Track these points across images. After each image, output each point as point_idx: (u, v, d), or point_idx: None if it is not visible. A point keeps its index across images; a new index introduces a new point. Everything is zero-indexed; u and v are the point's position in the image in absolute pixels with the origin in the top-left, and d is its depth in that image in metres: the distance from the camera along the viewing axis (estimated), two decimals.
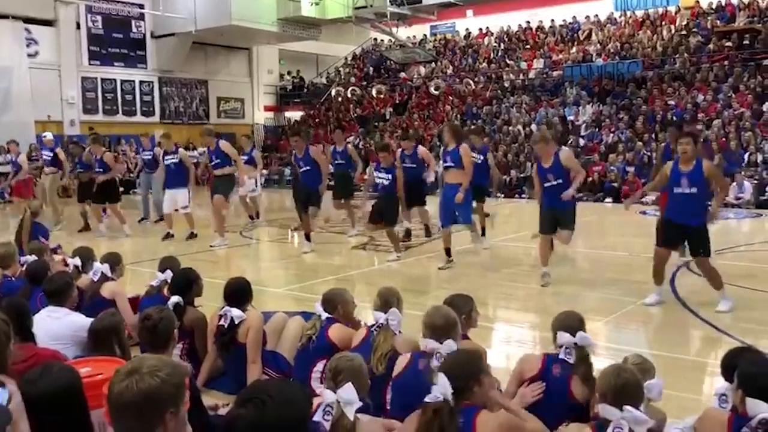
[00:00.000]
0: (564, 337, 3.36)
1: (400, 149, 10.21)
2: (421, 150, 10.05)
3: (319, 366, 3.99)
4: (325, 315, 4.19)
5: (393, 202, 8.96)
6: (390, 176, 8.77)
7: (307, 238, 9.72)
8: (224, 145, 10.35)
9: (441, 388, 2.69)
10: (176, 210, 10.99)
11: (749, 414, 2.48)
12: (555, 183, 7.08)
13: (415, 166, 9.65)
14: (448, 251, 8.38)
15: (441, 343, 3.37)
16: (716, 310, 6.13)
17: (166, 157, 11.03)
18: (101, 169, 11.47)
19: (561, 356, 3.36)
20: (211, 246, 10.08)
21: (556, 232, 7.31)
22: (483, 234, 9.47)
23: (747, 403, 2.48)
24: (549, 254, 7.45)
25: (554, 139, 7.60)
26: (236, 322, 4.26)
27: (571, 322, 3.42)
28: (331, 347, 4.01)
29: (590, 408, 3.20)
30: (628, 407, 2.57)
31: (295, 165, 10.27)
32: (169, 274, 4.93)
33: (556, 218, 7.20)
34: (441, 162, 8.50)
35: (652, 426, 2.62)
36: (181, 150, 11.21)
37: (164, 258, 5.35)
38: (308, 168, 9.45)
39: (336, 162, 11.16)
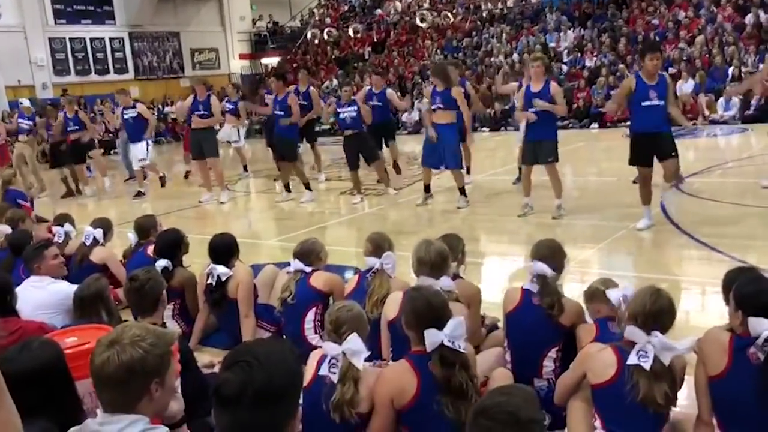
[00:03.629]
0: (532, 266, 3.34)
1: (368, 87, 10.14)
2: (389, 92, 9.98)
3: (310, 316, 3.97)
4: (300, 267, 4.04)
5: (366, 140, 8.93)
6: (354, 109, 8.75)
7: (287, 188, 9.66)
8: (215, 99, 10.16)
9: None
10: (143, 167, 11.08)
11: (752, 333, 2.44)
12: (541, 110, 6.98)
13: (381, 104, 9.59)
14: (427, 187, 8.45)
15: (437, 279, 3.33)
16: (637, 227, 6.37)
17: (124, 112, 11.01)
18: (77, 127, 11.32)
19: (526, 286, 3.34)
20: (220, 202, 9.99)
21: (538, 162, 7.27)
22: (468, 172, 9.40)
23: (749, 322, 2.44)
24: (530, 185, 7.42)
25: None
26: (222, 279, 4.20)
27: (540, 251, 3.38)
28: (317, 294, 3.98)
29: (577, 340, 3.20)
30: (656, 332, 2.53)
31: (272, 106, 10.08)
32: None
33: (536, 151, 7.19)
34: (428, 102, 8.34)
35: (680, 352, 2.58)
36: (139, 104, 11.24)
37: (139, 218, 5.31)
38: (282, 113, 9.29)
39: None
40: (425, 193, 8.46)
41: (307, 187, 9.49)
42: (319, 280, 4.02)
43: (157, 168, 11.72)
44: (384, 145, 10.20)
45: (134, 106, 10.97)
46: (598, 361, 2.67)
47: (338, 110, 8.97)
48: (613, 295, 3.14)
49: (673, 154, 6.33)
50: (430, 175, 8.43)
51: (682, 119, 6.82)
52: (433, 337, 2.57)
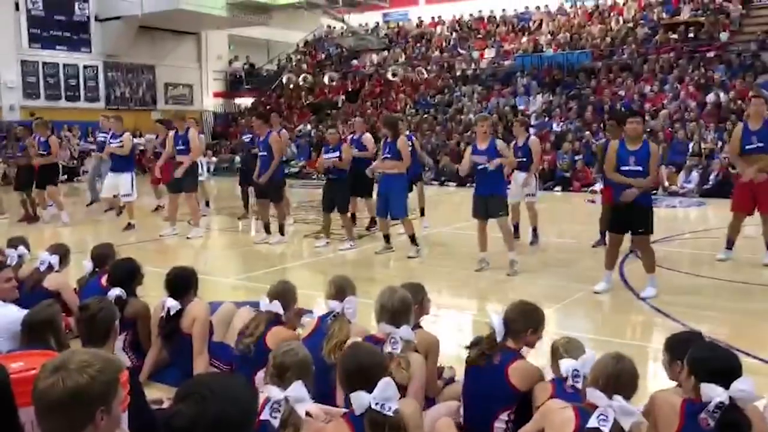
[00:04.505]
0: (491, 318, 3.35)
1: (350, 134, 10.17)
2: (366, 137, 9.91)
3: (260, 374, 3.77)
4: (266, 308, 3.95)
5: (344, 188, 8.91)
6: (337, 153, 8.78)
7: (267, 229, 9.43)
8: (193, 133, 10.01)
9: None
10: (115, 196, 10.79)
11: (704, 399, 2.48)
12: (486, 165, 7.14)
13: (359, 151, 9.55)
14: (386, 237, 8.55)
15: (397, 327, 3.32)
16: (641, 295, 6.26)
17: (111, 140, 10.81)
18: (44, 152, 11.08)
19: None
20: (187, 237, 9.82)
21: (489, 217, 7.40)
22: (422, 214, 9.85)
23: (702, 388, 2.48)
24: (485, 240, 7.51)
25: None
26: (171, 313, 4.12)
27: (508, 308, 3.38)
28: (264, 354, 3.83)
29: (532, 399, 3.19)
30: (618, 396, 2.51)
31: (253, 147, 10.03)
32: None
33: (487, 205, 7.32)
34: (380, 154, 8.54)
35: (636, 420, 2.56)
36: (126, 134, 10.98)
37: (97, 245, 5.20)
38: (265, 153, 9.16)
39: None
40: (385, 243, 8.53)
41: (281, 230, 9.40)
42: (273, 340, 3.75)
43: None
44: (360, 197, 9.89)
45: (121, 136, 10.78)
46: (558, 418, 2.66)
47: (324, 155, 8.97)
48: (563, 365, 3.10)
49: (641, 230, 6.27)
50: (385, 224, 8.52)
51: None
52: (359, 400, 2.52)
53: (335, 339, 3.70)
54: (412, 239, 8.30)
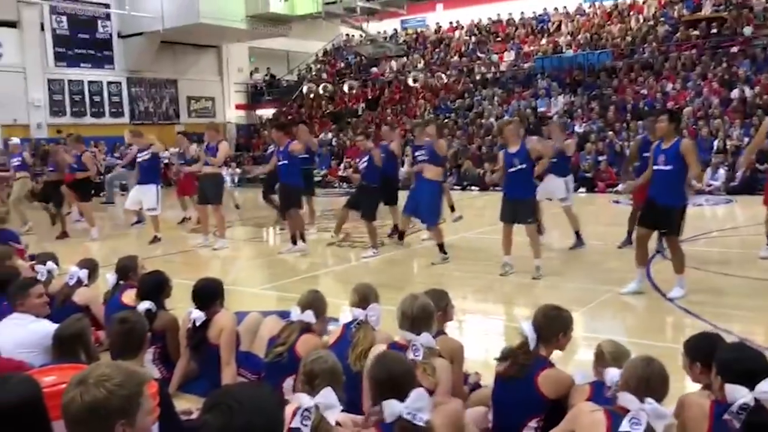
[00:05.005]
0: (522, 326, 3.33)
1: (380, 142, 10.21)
2: (394, 145, 9.86)
3: (289, 381, 3.80)
4: (298, 317, 3.98)
5: (372, 195, 8.92)
6: (367, 160, 8.83)
7: (294, 240, 9.32)
8: (223, 146, 10.03)
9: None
10: (140, 210, 10.93)
11: (729, 400, 2.46)
12: (519, 168, 7.12)
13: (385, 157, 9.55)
14: (401, 234, 8.77)
15: (418, 334, 3.33)
16: (669, 296, 6.18)
17: (139, 154, 10.97)
18: (78, 168, 11.19)
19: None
20: (214, 248, 9.89)
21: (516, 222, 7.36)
22: (452, 210, 9.90)
23: (726, 389, 2.46)
24: (510, 243, 7.44)
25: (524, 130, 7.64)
26: (197, 324, 4.17)
27: (536, 313, 3.35)
28: (296, 361, 3.85)
29: (567, 401, 3.17)
30: (649, 399, 2.49)
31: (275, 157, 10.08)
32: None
33: (515, 210, 7.27)
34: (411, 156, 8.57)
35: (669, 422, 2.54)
36: (152, 146, 11.08)
37: (121, 258, 5.28)
38: (286, 162, 9.12)
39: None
40: (398, 240, 8.79)
41: (302, 238, 9.36)
42: (303, 348, 3.79)
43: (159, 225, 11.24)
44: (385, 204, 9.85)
45: (149, 148, 10.89)
46: (588, 420, 2.64)
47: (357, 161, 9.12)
48: (609, 375, 3.01)
49: (664, 231, 6.24)
50: (407, 222, 8.68)
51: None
52: (391, 409, 2.52)
53: (360, 347, 3.71)
54: (441, 247, 8.24)
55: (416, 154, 8.92)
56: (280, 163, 9.21)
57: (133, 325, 3.30)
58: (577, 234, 8.81)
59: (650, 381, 2.56)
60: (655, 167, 6.16)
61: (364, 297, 3.92)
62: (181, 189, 12.58)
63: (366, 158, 9.01)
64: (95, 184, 12.80)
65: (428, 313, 3.43)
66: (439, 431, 2.64)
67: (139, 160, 10.96)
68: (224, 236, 10.16)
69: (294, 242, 9.34)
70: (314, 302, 4.05)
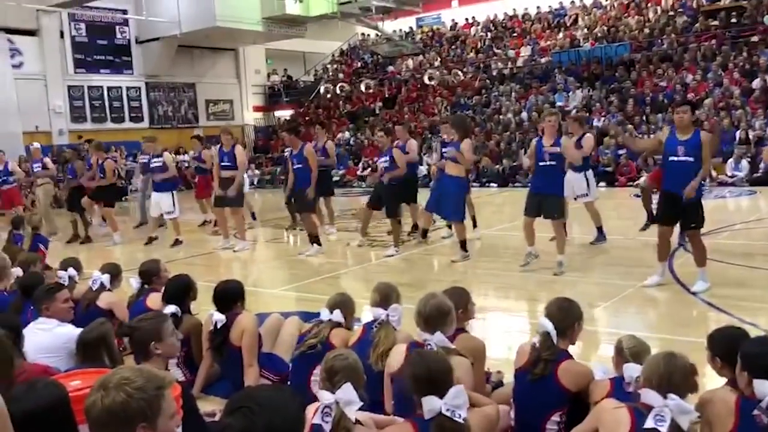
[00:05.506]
0: (540, 322, 3.32)
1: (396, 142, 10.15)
2: (410, 144, 9.82)
3: (318, 369, 3.89)
4: (328, 317, 4.01)
5: (394, 193, 8.94)
6: (388, 158, 8.86)
7: (311, 240, 9.28)
8: (239, 150, 10.10)
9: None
10: (161, 215, 10.99)
11: (758, 396, 2.42)
12: (549, 164, 7.08)
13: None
14: (424, 232, 8.82)
15: (431, 333, 3.33)
16: (692, 289, 6.12)
17: (152, 161, 11.02)
18: (101, 175, 11.34)
19: (533, 341, 3.32)
20: (234, 250, 9.95)
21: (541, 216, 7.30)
22: (474, 225, 9.51)
23: (755, 384, 2.42)
24: (533, 234, 7.38)
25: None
26: (218, 326, 4.20)
27: (549, 307, 3.36)
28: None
29: (589, 395, 3.15)
30: (672, 395, 2.48)
31: (288, 161, 10.04)
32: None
33: (540, 204, 7.21)
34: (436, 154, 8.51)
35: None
36: (165, 153, 11.18)
37: (144, 262, 5.32)
38: (300, 166, 9.13)
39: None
40: (421, 238, 8.81)
41: (315, 240, 9.30)
42: (337, 339, 3.91)
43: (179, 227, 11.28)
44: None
45: (161, 155, 10.94)
46: (611, 417, 2.62)
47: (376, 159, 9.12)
48: (628, 370, 3.01)
49: (692, 225, 6.13)
50: (428, 220, 8.69)
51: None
52: (431, 405, 2.53)
53: (382, 346, 3.71)
54: (463, 245, 8.18)
55: (443, 150, 8.87)
56: (294, 167, 9.21)
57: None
58: (599, 229, 8.74)
59: (672, 377, 2.54)
60: (674, 158, 6.07)
61: (386, 296, 3.92)
62: (199, 192, 12.65)
63: (386, 156, 9.01)
64: (118, 188, 12.89)
65: (443, 312, 3.42)
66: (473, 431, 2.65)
67: (152, 166, 11.01)
68: (245, 238, 10.21)
69: (312, 243, 9.33)
70: (342, 303, 4.08)
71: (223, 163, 9.97)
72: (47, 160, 13.16)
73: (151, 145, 11.27)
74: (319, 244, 9.30)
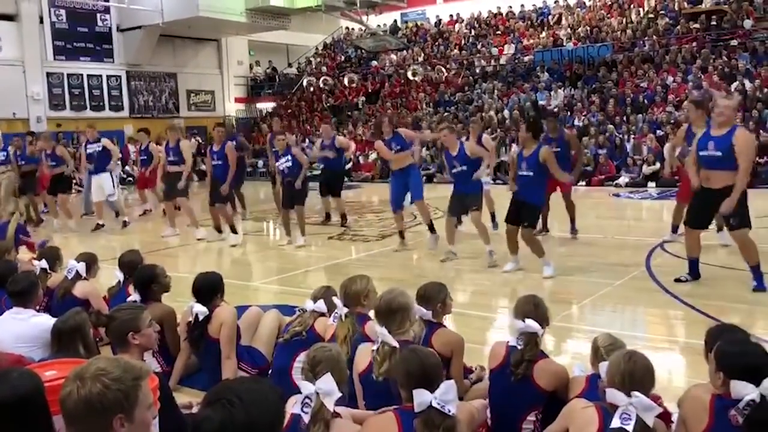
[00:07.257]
0: (516, 324, 3.33)
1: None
2: (339, 139, 10.74)
3: (301, 356, 3.89)
4: (311, 308, 4.07)
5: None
6: (289, 157, 9.33)
7: (302, 232, 9.46)
8: (184, 144, 10.52)
9: None
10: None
11: (734, 396, 2.44)
12: (460, 169, 7.59)
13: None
14: (401, 234, 8.85)
15: (381, 327, 3.35)
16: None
17: (88, 146, 11.51)
18: (54, 163, 11.63)
19: (511, 343, 3.32)
20: (198, 239, 10.17)
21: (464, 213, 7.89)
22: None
23: (731, 385, 2.44)
24: (453, 234, 7.95)
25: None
26: (199, 318, 4.17)
27: (525, 307, 3.38)
28: (315, 338, 3.92)
29: (567, 392, 3.18)
30: (636, 393, 2.51)
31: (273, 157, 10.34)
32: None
33: (463, 202, 7.68)
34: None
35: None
36: (104, 139, 11.76)
37: (124, 253, 5.29)
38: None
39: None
40: (400, 239, 8.84)
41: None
42: (321, 326, 3.99)
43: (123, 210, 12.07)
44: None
45: (99, 140, 11.48)
46: (580, 417, 2.66)
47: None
48: (603, 369, 3.00)
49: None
50: (401, 221, 8.87)
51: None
52: (422, 397, 2.55)
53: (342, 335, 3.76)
54: (431, 227, 8.61)
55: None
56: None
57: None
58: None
59: (634, 375, 2.58)
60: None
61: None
62: (142, 182, 13.01)
63: (286, 156, 9.38)
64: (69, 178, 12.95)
65: (392, 308, 3.41)
66: (459, 426, 2.67)
67: (90, 151, 11.42)
68: (198, 226, 10.39)
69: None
70: (326, 295, 4.13)
71: (169, 158, 10.37)
72: (11, 149, 12.95)
73: (91, 131, 11.70)
74: (236, 233, 9.84)
